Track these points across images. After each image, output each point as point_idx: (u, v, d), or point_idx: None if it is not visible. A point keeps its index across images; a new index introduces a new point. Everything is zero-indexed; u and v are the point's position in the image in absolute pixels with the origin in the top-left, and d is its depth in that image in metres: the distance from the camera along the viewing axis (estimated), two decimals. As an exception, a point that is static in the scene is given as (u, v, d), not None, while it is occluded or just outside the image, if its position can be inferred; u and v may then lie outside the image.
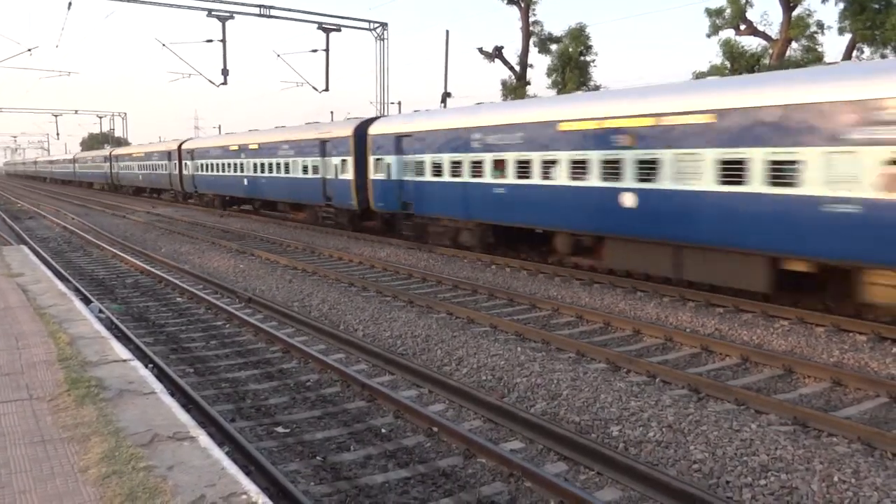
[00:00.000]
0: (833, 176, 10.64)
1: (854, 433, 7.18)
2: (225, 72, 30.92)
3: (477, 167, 18.33)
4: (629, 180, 14.14)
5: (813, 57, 28.37)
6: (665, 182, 13.39)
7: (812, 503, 5.90)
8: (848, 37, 27.60)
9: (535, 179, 16.49)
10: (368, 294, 14.88)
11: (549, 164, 16.14)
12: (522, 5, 36.74)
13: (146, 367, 7.82)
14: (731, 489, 6.23)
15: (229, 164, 35.22)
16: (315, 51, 33.84)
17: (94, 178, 69.28)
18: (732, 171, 12.09)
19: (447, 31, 48.64)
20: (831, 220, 10.68)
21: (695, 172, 12.82)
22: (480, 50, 37.71)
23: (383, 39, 35.92)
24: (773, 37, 29.37)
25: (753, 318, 11.88)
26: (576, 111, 15.66)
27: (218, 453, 5.08)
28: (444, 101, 37.56)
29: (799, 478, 6.22)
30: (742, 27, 29.85)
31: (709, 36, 30.47)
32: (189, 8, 29.93)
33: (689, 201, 12.93)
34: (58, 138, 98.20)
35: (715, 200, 12.44)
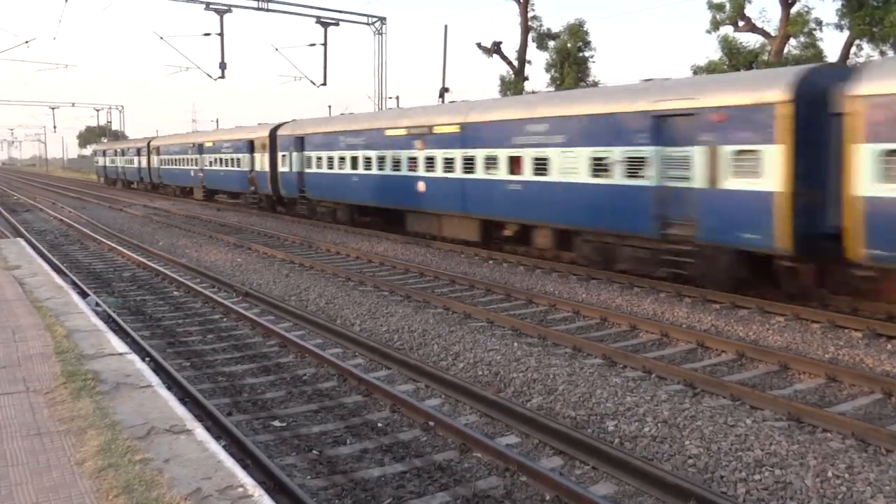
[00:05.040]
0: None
1: (848, 429, 7.21)
2: (223, 65, 30.92)
3: None
4: None
5: (811, 53, 28.34)
6: None
7: (806, 498, 5.93)
8: (846, 34, 27.57)
9: None
10: (366, 289, 14.88)
11: None
12: (521, 0, 36.66)
13: (143, 360, 7.83)
14: (726, 484, 6.26)
15: (382, 158, 22.71)
16: (313, 45, 33.77)
17: (121, 175, 58.66)
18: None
19: (445, 26, 48.55)
20: None
21: None
22: (479, 45, 37.63)
23: (382, 34, 35.88)
24: (771, 33, 29.35)
25: (749, 315, 11.91)
26: None
27: (214, 447, 5.09)
28: (441, 96, 37.51)
29: (793, 473, 6.25)
30: (741, 23, 29.81)
31: (709, 32, 30.40)
32: (187, 1, 29.86)
33: None
34: (55, 131, 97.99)
35: None
